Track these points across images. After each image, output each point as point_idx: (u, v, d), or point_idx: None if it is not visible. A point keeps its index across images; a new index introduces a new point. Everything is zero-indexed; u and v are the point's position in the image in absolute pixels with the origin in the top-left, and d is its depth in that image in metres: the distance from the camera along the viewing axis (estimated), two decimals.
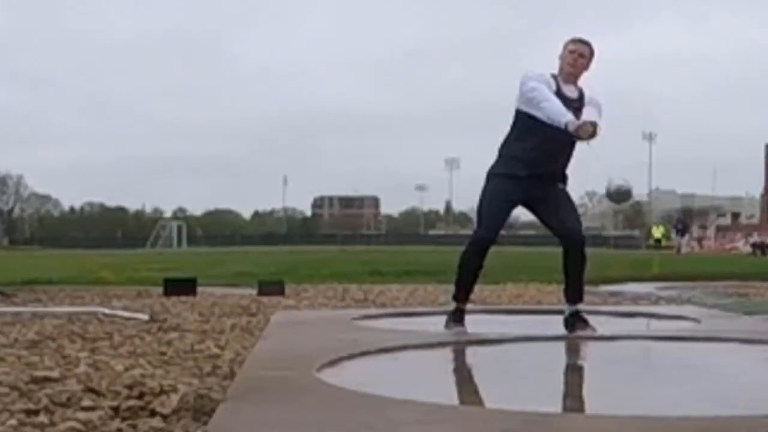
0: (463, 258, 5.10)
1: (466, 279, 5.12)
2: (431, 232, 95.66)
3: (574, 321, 4.99)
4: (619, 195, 5.11)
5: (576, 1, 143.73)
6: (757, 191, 76.10)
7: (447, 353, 4.49)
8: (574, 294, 5.03)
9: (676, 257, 28.71)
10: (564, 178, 5.12)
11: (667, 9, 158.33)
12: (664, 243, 44.91)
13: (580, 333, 4.91)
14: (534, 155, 4.94)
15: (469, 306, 5.23)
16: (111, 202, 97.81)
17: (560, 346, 4.77)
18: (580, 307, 5.07)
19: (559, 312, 6.07)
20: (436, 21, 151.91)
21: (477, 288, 7.49)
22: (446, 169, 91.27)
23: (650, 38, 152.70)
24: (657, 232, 47.03)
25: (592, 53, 5.04)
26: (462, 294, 5.13)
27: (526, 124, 4.94)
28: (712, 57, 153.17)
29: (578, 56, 5.00)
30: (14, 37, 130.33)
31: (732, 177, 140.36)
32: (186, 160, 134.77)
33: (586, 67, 5.04)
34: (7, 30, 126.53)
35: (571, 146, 4.97)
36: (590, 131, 4.64)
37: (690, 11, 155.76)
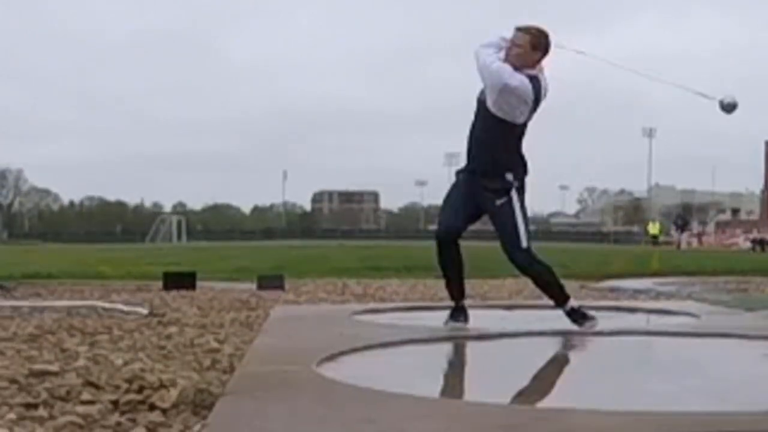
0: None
1: (446, 276, 5.10)
2: (431, 227, 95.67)
3: (572, 318, 4.91)
4: (730, 107, 4.93)
5: None
6: (757, 187, 76.10)
7: (447, 348, 4.48)
8: (555, 301, 4.97)
9: (675, 253, 28.72)
10: (495, 182, 4.80)
11: (653, 8, 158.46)
12: (660, 239, 45.17)
13: (579, 329, 4.89)
14: (468, 146, 4.90)
15: (469, 301, 5.23)
16: (110, 197, 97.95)
17: (560, 342, 4.76)
18: (575, 304, 4.99)
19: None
20: (435, 17, 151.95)
21: (477, 283, 7.53)
22: (446, 165, 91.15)
23: (644, 37, 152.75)
24: (653, 228, 47.32)
25: (532, 42, 4.70)
26: (451, 291, 5.11)
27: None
28: (709, 55, 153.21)
29: (512, 45, 4.72)
30: (14, 36, 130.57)
31: (732, 173, 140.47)
32: (185, 155, 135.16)
33: (524, 56, 4.69)
34: (7, 30, 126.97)
35: (494, 139, 4.74)
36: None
37: (681, 10, 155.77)
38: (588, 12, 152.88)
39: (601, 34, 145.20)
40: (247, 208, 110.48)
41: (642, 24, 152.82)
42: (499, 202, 4.81)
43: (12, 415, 2.73)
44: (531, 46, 4.72)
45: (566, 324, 5.04)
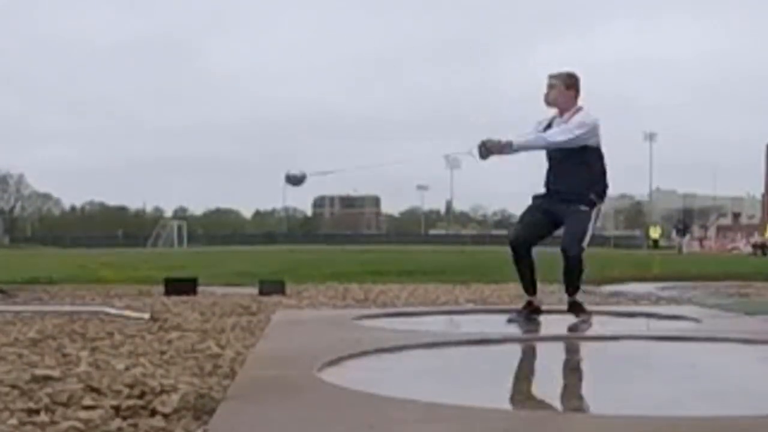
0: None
1: (519, 275, 5.99)
2: (432, 231, 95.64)
3: (572, 308, 5.89)
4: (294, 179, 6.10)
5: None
6: (758, 191, 76.09)
7: (448, 353, 4.48)
8: (569, 289, 5.93)
9: (677, 257, 28.70)
10: (580, 198, 5.76)
11: (631, 12, 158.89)
12: (661, 243, 45.41)
13: (577, 325, 5.44)
14: (548, 176, 5.92)
15: (469, 306, 5.28)
16: (112, 202, 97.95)
17: (561, 346, 4.77)
18: (578, 298, 5.92)
19: (561, 312, 6.09)
20: (435, 21, 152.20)
21: (478, 287, 7.56)
22: (447, 169, 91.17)
23: (622, 41, 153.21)
24: (654, 232, 47.62)
25: (564, 81, 5.78)
26: (524, 287, 6.04)
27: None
28: (709, 58, 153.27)
29: (547, 88, 5.82)
30: (12, 43, 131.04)
31: (733, 177, 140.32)
32: (187, 160, 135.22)
33: (559, 96, 5.77)
34: (4, 37, 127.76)
35: (577, 167, 5.71)
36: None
37: (660, 15, 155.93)
38: (566, 17, 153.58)
39: (581, 38, 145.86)
40: (248, 213, 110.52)
41: (620, 29, 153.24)
42: (575, 207, 5.83)
43: (13, 421, 2.73)
44: (564, 83, 5.79)
45: (567, 329, 5.05)
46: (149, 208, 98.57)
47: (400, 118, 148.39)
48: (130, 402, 2.98)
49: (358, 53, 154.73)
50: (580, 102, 5.82)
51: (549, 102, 5.83)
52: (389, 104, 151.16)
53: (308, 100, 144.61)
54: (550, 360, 4.39)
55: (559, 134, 5.67)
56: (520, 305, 7.54)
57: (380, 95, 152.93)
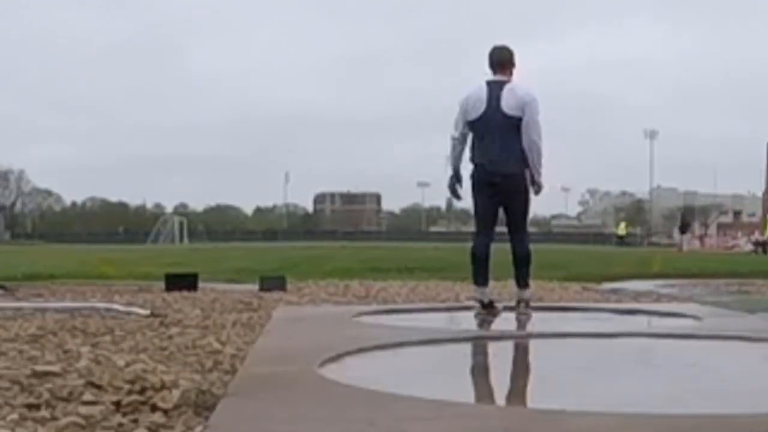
0: None
1: None
2: (432, 228, 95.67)
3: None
4: None
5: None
6: (759, 189, 76.03)
7: (448, 350, 4.48)
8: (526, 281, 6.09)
9: (677, 255, 28.70)
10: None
11: (606, 16, 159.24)
12: (627, 240, 46.49)
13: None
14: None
15: (470, 303, 5.27)
16: (112, 198, 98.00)
17: (561, 343, 4.77)
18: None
19: (562, 309, 6.10)
20: (414, 21, 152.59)
21: None
22: (447, 166, 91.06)
23: (596, 45, 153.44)
24: (620, 229, 48.43)
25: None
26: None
27: None
28: (711, 57, 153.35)
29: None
30: (12, 42, 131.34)
31: (734, 175, 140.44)
32: (187, 156, 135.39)
33: None
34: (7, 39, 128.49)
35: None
36: None
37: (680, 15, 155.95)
38: (540, 20, 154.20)
39: (553, 42, 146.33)
40: (249, 209, 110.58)
41: (621, 28, 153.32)
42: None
43: (14, 416, 2.73)
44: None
45: (569, 326, 5.05)
46: (150, 205, 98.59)
47: (411, 116, 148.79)
48: (131, 398, 2.98)
49: (347, 53, 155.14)
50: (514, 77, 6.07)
51: None
52: (401, 101, 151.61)
53: (303, 99, 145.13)
54: (550, 357, 4.39)
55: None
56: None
57: (392, 92, 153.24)
